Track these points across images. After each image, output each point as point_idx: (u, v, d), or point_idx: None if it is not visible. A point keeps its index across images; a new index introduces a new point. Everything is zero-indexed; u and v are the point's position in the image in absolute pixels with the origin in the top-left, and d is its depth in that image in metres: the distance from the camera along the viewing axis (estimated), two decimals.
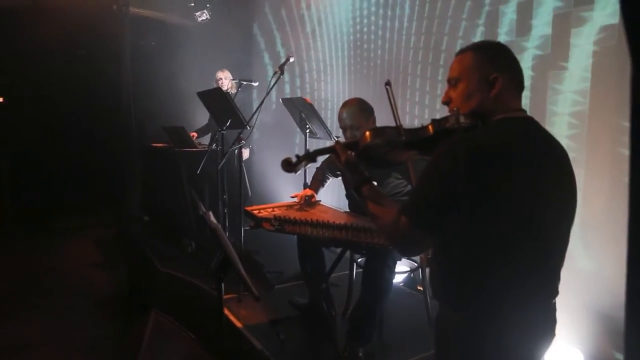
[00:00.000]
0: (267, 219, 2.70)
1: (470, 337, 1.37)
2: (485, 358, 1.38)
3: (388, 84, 1.74)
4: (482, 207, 1.27)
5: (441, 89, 3.82)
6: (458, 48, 3.52)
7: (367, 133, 1.56)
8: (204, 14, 6.20)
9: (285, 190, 5.42)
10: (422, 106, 4.02)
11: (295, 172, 1.77)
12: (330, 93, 5.28)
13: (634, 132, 0.59)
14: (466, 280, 1.35)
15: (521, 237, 1.32)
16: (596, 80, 2.63)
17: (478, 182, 1.25)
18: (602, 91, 2.61)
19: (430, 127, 1.49)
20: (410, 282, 3.75)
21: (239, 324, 3.09)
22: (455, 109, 1.39)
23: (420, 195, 1.40)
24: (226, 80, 5.05)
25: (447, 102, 1.51)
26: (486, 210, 1.28)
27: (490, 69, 1.41)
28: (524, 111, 1.45)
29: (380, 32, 4.47)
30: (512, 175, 1.30)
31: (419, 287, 3.59)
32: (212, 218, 2.07)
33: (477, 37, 3.43)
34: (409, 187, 2.91)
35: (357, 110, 2.86)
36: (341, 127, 2.92)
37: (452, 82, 1.48)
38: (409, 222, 1.37)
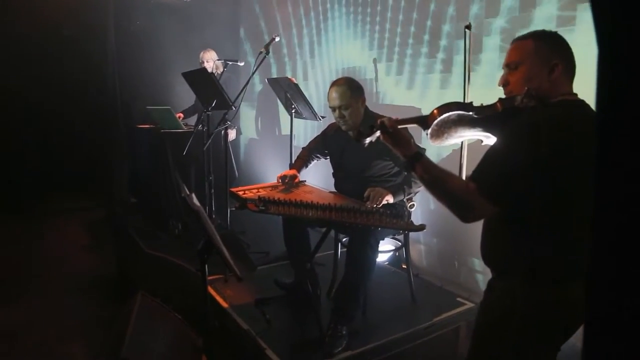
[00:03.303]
0: (251, 200, 2.72)
1: (543, 307, 1.49)
2: (553, 326, 1.52)
3: (468, 27, 1.79)
4: (556, 183, 1.40)
5: (432, 64, 3.83)
6: (445, 31, 3.57)
7: (436, 110, 1.63)
8: None
9: (272, 170, 5.44)
10: (411, 82, 4.02)
11: (364, 143, 1.80)
12: (316, 73, 5.26)
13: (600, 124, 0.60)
14: (545, 251, 1.46)
15: (585, 208, 1.42)
16: None
17: (557, 159, 1.36)
18: None
19: (498, 104, 1.57)
20: (394, 260, 3.79)
21: (225, 304, 3.12)
22: (527, 89, 1.50)
23: (497, 169, 1.47)
24: (210, 61, 5.00)
25: (504, 85, 1.63)
26: (560, 184, 1.41)
27: (551, 56, 1.53)
28: (576, 95, 1.56)
29: (369, 8, 4.45)
30: (581, 150, 1.39)
31: (403, 266, 3.63)
32: (195, 200, 2.08)
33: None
34: (395, 169, 2.93)
35: (347, 90, 2.86)
36: (330, 106, 2.93)
37: (512, 66, 1.59)
38: (479, 193, 1.46)
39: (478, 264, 3.52)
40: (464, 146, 1.88)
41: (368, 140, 1.77)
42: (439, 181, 1.59)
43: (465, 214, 1.53)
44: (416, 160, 1.63)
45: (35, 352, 3.02)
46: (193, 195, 2.09)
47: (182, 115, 5.20)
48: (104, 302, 3.59)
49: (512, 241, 1.54)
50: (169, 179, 4.79)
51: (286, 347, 2.66)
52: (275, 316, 2.95)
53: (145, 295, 2.80)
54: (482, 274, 3.48)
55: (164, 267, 3.71)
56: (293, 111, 3.86)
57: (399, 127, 1.72)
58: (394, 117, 1.76)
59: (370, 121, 2.89)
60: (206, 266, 2.08)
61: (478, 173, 1.50)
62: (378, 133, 1.73)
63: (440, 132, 1.67)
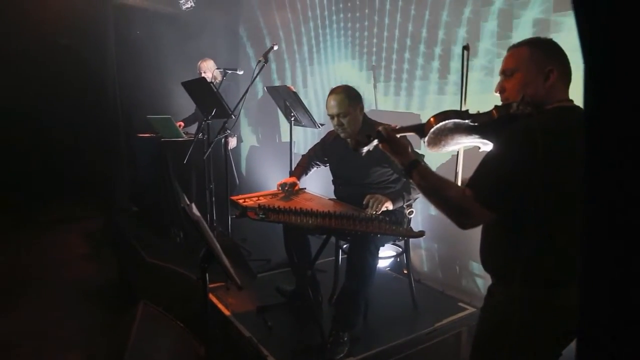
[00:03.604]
0: (251, 208, 2.73)
1: (542, 311, 1.50)
2: (553, 330, 1.52)
3: (466, 48, 1.81)
4: (551, 189, 1.41)
5: (426, 74, 3.85)
6: (440, 41, 3.59)
7: (433, 118, 1.64)
8: (189, 2, 6.14)
9: (273, 178, 5.46)
10: (409, 92, 4.04)
11: (362, 152, 1.82)
12: (315, 81, 5.29)
13: (589, 129, 0.61)
14: (545, 256, 1.47)
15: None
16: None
17: (552, 165, 1.38)
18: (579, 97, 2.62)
19: (494, 112, 1.59)
20: (396, 266, 3.80)
21: (227, 312, 3.12)
22: (522, 96, 1.51)
23: (493, 176, 1.49)
24: (208, 71, 5.03)
25: (500, 91, 1.65)
26: (555, 190, 1.41)
27: (546, 62, 1.54)
28: (572, 101, 1.57)
29: (366, 22, 4.48)
30: (576, 157, 1.39)
31: (404, 271, 3.64)
32: (195, 210, 2.09)
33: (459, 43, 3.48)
34: (394, 176, 2.94)
35: (345, 98, 2.88)
36: (329, 114, 2.95)
37: (508, 73, 1.61)
38: (476, 200, 1.47)
39: (479, 268, 3.52)
40: (460, 153, 1.89)
41: (365, 149, 1.78)
42: (436, 189, 1.60)
43: (462, 221, 1.54)
44: (414, 167, 1.65)
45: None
46: (193, 205, 2.10)
47: (182, 124, 5.22)
48: (105, 311, 3.59)
49: (510, 247, 1.55)
50: (170, 188, 4.81)
51: (288, 354, 2.66)
52: (276, 323, 2.96)
53: (147, 303, 2.82)
54: (483, 279, 3.48)
55: (165, 276, 3.72)
56: (292, 119, 3.88)
57: (397, 135, 1.74)
58: (391, 124, 1.78)
59: (369, 128, 2.92)
60: (207, 275, 2.09)
61: (474, 180, 1.52)
62: (375, 142, 1.74)
63: (438, 140, 1.68)
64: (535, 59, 1.56)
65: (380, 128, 1.74)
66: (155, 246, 4.36)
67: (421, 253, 4.01)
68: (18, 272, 4.42)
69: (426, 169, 1.65)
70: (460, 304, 3.24)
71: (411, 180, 1.68)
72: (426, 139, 1.67)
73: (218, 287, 3.40)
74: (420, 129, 1.67)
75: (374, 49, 4.38)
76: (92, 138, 6.01)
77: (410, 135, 1.84)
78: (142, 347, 2.40)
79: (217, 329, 3.06)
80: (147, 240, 4.53)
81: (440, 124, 1.62)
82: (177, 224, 4.69)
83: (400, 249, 3.30)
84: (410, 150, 1.76)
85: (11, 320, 3.47)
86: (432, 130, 1.63)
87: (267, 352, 2.64)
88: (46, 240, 5.25)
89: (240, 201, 2.95)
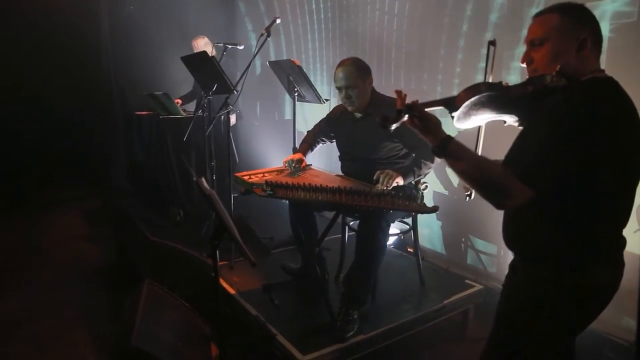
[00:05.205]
0: (258, 185, 2.69)
1: (572, 292, 1.46)
2: (581, 310, 1.50)
3: (493, 43, 1.72)
4: (595, 164, 1.34)
5: (423, 46, 3.78)
6: (446, 17, 3.49)
7: (464, 92, 1.53)
8: None
9: (272, 155, 5.40)
10: (408, 66, 3.97)
11: (390, 129, 1.64)
12: (315, 55, 5.19)
13: None
14: (576, 235, 1.43)
15: (622, 190, 1.42)
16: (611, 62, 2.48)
17: (595, 140, 1.31)
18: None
19: (528, 84, 1.50)
20: (400, 244, 3.77)
21: (232, 291, 3.08)
22: (559, 67, 1.42)
23: (534, 151, 1.40)
24: (203, 49, 4.91)
25: (528, 62, 1.54)
26: (598, 166, 1.35)
27: (579, 31, 1.45)
28: (604, 71, 1.49)
29: None
30: (618, 131, 1.35)
31: (409, 249, 3.61)
32: (206, 184, 2.03)
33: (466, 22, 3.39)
34: (404, 151, 2.88)
35: (354, 70, 2.81)
36: (337, 87, 2.88)
37: (537, 43, 1.51)
38: (515, 177, 1.38)
39: (483, 245, 3.51)
40: (482, 128, 1.80)
41: (394, 126, 1.60)
42: (475, 167, 1.48)
43: (501, 201, 1.45)
44: (448, 144, 1.51)
45: (40, 341, 2.98)
46: (203, 179, 2.05)
47: (179, 101, 5.13)
48: (108, 291, 3.55)
49: (544, 225, 1.49)
50: (169, 166, 4.75)
51: (297, 332, 2.63)
52: (283, 302, 2.93)
53: (151, 282, 2.77)
54: (488, 256, 3.48)
55: (169, 254, 3.68)
56: (296, 94, 3.79)
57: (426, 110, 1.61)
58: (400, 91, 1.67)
59: (378, 103, 2.86)
60: (217, 253, 2.03)
61: (513, 157, 1.43)
62: (405, 117, 1.59)
63: (468, 114, 1.57)
64: (567, 27, 1.45)
65: (409, 103, 1.58)
66: (155, 225, 4.31)
67: (424, 230, 3.97)
68: (18, 254, 4.35)
69: (461, 146, 1.51)
70: (467, 281, 3.22)
71: (444, 160, 1.54)
72: (456, 113, 1.55)
73: (222, 265, 3.35)
74: (451, 103, 1.55)
75: (376, 24, 4.29)
76: (89, 117, 5.93)
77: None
78: (149, 326, 2.35)
79: (227, 307, 3.03)
80: (148, 219, 4.47)
81: (474, 98, 1.51)
82: (177, 202, 4.63)
83: (408, 226, 3.25)
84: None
85: (14, 302, 3.42)
86: (465, 104, 1.52)
87: (276, 331, 2.61)
88: (44, 222, 5.18)
89: (246, 177, 2.90)
